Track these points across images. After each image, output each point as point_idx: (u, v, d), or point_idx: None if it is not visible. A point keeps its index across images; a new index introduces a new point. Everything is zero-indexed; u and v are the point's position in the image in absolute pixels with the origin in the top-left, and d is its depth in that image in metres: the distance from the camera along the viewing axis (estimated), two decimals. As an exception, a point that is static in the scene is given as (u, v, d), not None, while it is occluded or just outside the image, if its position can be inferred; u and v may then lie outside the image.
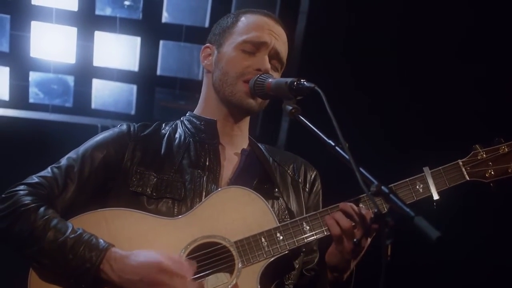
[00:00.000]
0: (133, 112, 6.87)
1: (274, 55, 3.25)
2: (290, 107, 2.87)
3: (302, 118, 2.84)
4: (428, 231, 2.18)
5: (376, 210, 2.38)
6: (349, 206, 2.86)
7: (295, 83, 2.88)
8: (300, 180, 3.37)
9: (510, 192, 3.05)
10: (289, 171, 3.37)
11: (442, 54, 5.73)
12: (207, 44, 3.40)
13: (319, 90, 2.74)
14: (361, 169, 2.52)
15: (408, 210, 2.28)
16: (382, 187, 2.40)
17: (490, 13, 5.56)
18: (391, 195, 2.37)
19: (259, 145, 3.43)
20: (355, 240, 2.84)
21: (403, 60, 5.80)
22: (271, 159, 3.37)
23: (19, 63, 6.54)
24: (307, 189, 3.37)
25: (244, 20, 3.32)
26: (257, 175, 3.23)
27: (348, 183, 2.64)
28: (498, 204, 5.14)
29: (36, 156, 5.57)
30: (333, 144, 2.69)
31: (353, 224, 2.84)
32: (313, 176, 3.42)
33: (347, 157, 2.58)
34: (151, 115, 6.76)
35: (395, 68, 5.78)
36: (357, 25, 5.82)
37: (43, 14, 6.39)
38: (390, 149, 5.68)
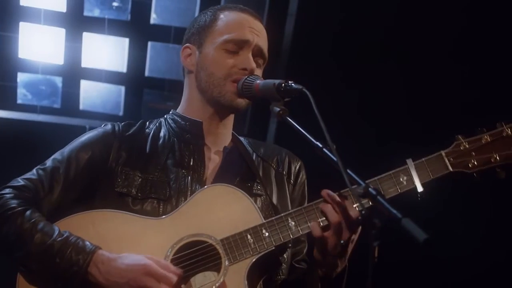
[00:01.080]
0: (121, 113, 6.87)
1: (257, 52, 3.22)
2: (278, 109, 2.86)
3: (290, 120, 2.84)
4: (416, 233, 2.18)
5: (363, 212, 2.39)
6: (332, 199, 2.81)
7: (283, 84, 2.88)
8: (284, 172, 3.34)
9: (493, 182, 3.05)
10: (272, 164, 3.34)
11: (430, 51, 5.77)
12: (187, 44, 3.34)
13: (307, 92, 2.74)
14: (348, 170, 2.53)
15: (395, 212, 2.28)
16: (369, 189, 2.41)
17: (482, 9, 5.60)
18: (378, 197, 2.37)
19: (242, 139, 3.40)
20: (342, 241, 2.84)
21: (391, 59, 5.82)
22: (254, 154, 3.35)
23: (7, 64, 6.53)
24: (291, 181, 3.34)
25: (223, 18, 3.27)
26: (239, 173, 3.21)
27: (336, 184, 2.66)
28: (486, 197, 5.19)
29: (24, 157, 5.55)
30: (320, 145, 2.69)
31: (338, 219, 2.80)
32: (297, 168, 3.39)
33: (334, 159, 2.59)
34: (139, 116, 6.74)
35: (383, 68, 5.80)
36: (345, 27, 5.84)
37: (32, 15, 6.38)
38: (376, 145, 5.71)
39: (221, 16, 3.27)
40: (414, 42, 5.79)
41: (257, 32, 3.23)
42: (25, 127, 6.56)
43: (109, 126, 3.25)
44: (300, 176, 3.38)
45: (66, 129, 6.55)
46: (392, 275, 4.75)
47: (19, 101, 6.70)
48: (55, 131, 6.35)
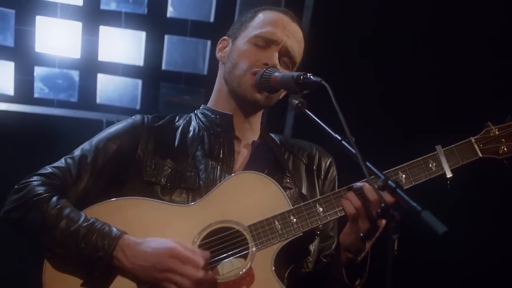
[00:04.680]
0: (138, 107, 6.86)
1: (284, 53, 3.27)
2: (297, 101, 2.90)
3: (309, 112, 2.85)
4: (435, 225, 2.18)
5: (383, 205, 2.38)
6: (362, 186, 2.84)
7: (302, 77, 2.90)
8: (314, 167, 3.38)
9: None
10: (303, 159, 3.38)
11: (450, 43, 5.73)
12: (224, 37, 3.45)
13: (326, 84, 2.75)
14: (367, 163, 2.52)
15: (414, 204, 2.28)
16: (389, 182, 2.40)
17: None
18: (397, 190, 2.37)
19: (273, 135, 3.45)
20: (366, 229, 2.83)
21: (411, 51, 5.79)
22: (284, 149, 3.38)
23: (24, 57, 6.53)
24: (322, 176, 3.38)
25: (261, 15, 3.36)
26: (267, 166, 3.23)
27: (355, 177, 2.64)
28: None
29: (41, 151, 5.57)
30: (339, 138, 2.70)
31: (367, 204, 2.82)
32: (328, 163, 3.43)
33: (353, 151, 2.58)
34: (156, 109, 6.74)
35: (403, 60, 5.77)
36: (363, 18, 5.81)
37: (48, 8, 6.38)
38: (398, 136, 5.68)
39: (260, 14, 3.37)
40: (440, 33, 5.74)
41: (288, 33, 3.29)
42: (42, 121, 6.56)
43: (138, 117, 3.32)
44: (331, 171, 3.42)
45: (83, 122, 6.56)
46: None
47: (36, 95, 6.70)
48: (72, 125, 6.37)
